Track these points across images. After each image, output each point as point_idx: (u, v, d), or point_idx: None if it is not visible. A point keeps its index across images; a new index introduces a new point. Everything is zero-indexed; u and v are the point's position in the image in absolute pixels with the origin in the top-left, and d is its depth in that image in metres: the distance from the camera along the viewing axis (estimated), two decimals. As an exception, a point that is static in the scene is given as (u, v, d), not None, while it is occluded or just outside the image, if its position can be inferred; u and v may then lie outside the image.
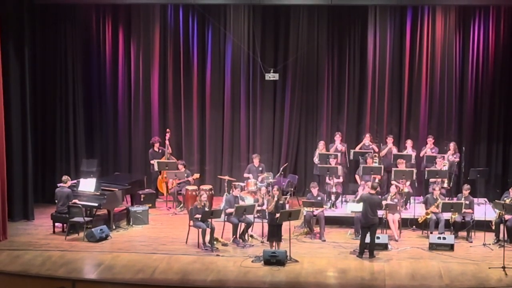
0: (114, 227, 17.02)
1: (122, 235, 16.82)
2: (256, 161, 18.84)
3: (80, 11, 19.80)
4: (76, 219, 16.42)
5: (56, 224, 16.87)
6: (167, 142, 19.52)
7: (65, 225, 16.67)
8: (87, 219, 16.53)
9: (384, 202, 16.11)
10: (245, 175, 18.80)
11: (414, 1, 18.81)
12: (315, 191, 16.78)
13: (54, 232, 16.81)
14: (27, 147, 17.92)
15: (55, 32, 19.37)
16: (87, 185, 17.20)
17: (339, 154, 18.43)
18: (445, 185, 17.83)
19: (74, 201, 16.66)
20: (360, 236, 15.44)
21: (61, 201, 16.66)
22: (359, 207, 15.68)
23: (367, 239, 15.10)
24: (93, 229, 16.18)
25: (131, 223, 17.45)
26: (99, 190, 17.08)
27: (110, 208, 17.06)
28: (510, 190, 16.49)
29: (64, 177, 17.05)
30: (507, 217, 15.70)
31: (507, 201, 15.89)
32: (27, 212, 17.92)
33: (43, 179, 19.64)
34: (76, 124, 19.82)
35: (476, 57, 19.50)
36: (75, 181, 17.55)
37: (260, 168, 18.80)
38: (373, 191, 15.45)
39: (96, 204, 16.89)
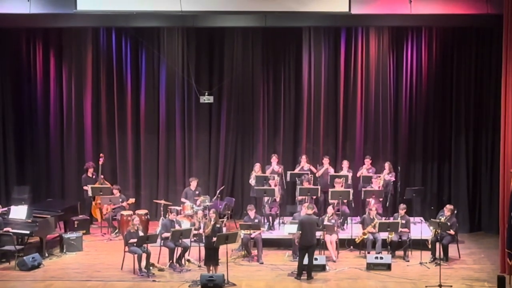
0: (47, 255, 16.62)
1: (55, 262, 16.43)
2: (193, 185, 18.61)
3: (9, 35, 19.44)
4: (7, 247, 16.05)
5: (-14, 253, 16.43)
6: (100, 167, 19.20)
7: (-5, 254, 16.27)
8: (18, 247, 16.15)
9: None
10: (182, 199, 18.58)
11: (347, 23, 18.80)
12: (252, 213, 16.68)
13: (-16, 261, 16.38)
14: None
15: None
16: (18, 212, 16.79)
17: (276, 176, 18.35)
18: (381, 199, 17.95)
19: (5, 229, 16.24)
20: (298, 257, 15.34)
21: (-9, 229, 16.24)
22: (296, 228, 15.57)
23: (306, 261, 15.00)
24: (24, 258, 15.79)
25: (64, 250, 17.07)
26: (31, 217, 16.67)
27: (43, 236, 16.68)
28: (445, 208, 16.61)
29: (-6, 205, 16.65)
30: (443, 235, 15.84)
31: (442, 219, 16.06)
32: (-45, 241, 17.40)
33: (-28, 207, 19.14)
34: (6, 150, 19.59)
35: (410, 77, 19.70)
36: (5, 208, 17.13)
37: (197, 192, 18.59)
38: (310, 212, 15.40)
39: (28, 232, 16.50)
